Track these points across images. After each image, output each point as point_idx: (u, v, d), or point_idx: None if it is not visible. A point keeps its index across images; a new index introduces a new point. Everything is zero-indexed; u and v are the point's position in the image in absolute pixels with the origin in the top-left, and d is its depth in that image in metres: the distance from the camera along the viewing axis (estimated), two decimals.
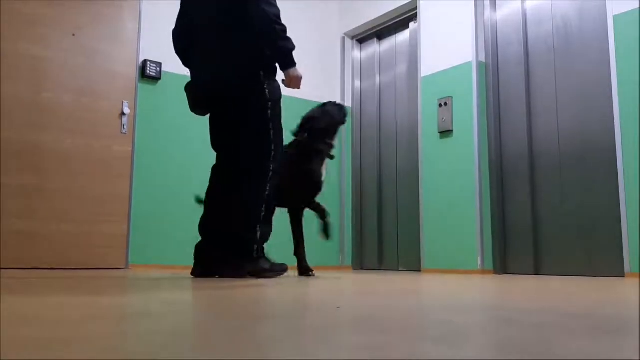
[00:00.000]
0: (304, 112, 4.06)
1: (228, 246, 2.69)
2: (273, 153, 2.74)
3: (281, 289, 1.79)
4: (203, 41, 2.83)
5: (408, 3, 4.83)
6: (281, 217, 3.15)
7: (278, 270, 2.71)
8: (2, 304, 1.09)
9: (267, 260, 2.72)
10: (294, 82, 2.79)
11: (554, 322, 0.88)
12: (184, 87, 2.95)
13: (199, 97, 2.87)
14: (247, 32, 2.72)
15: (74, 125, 4.03)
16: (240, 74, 2.75)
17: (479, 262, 4.00)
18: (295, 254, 3.18)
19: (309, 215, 3.25)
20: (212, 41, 2.78)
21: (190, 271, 2.83)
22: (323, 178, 3.19)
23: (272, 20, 2.64)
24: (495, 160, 4.13)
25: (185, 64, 3.01)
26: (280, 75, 2.88)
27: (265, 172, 2.73)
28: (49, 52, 3.99)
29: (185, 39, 2.93)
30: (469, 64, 4.25)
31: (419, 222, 4.54)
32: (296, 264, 3.16)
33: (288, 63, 2.74)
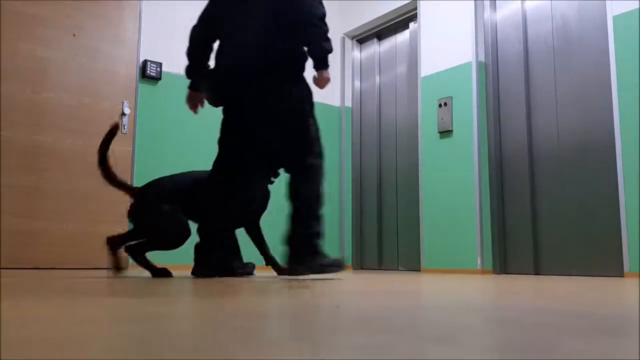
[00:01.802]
0: None
1: (295, 244, 2.69)
2: (319, 150, 2.80)
3: (277, 289, 1.79)
4: (241, 34, 2.80)
5: (408, 3, 4.83)
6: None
7: (337, 265, 2.71)
8: (2, 304, 1.09)
9: (326, 255, 2.74)
10: (324, 82, 2.83)
11: (554, 322, 0.88)
12: (182, 84, 2.93)
13: (228, 90, 2.85)
14: (292, 28, 2.73)
15: (74, 125, 4.03)
16: (286, 68, 2.77)
17: (479, 262, 4.00)
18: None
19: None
20: (254, 36, 2.76)
21: (190, 271, 2.84)
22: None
23: (321, 18, 2.70)
24: (494, 160, 4.13)
25: (200, 59, 2.96)
26: None
27: (319, 168, 2.77)
28: (49, 52, 4.00)
29: (209, 33, 2.93)
30: (468, 64, 4.25)
31: (418, 222, 4.54)
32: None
33: (325, 64, 2.78)
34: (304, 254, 2.65)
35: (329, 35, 2.74)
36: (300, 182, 2.73)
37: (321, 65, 2.78)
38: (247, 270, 2.88)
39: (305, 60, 2.82)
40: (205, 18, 2.97)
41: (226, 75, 2.84)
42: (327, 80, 2.83)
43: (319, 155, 2.80)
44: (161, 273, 2.76)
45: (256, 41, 2.76)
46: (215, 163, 2.88)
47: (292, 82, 2.79)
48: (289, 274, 2.69)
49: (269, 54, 2.74)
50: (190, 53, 2.98)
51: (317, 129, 2.83)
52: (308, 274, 2.63)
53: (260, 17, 2.76)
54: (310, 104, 2.83)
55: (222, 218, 2.83)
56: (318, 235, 2.70)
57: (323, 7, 2.73)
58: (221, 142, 2.90)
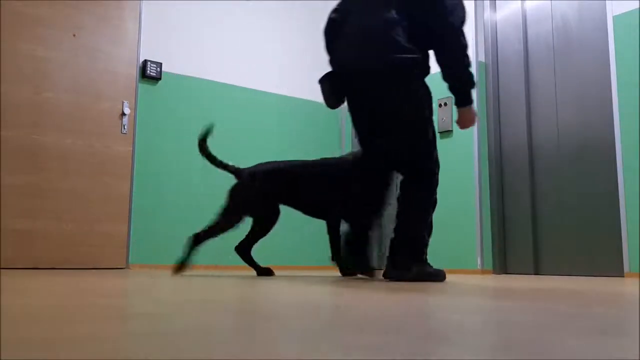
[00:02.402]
0: (303, 112, 4.06)
1: (404, 249, 2.59)
2: (436, 157, 2.68)
3: (280, 288, 1.79)
4: (361, 34, 2.66)
5: None
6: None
7: (441, 275, 2.59)
8: (2, 303, 1.09)
9: (429, 265, 2.63)
10: (468, 123, 2.67)
11: (553, 322, 0.88)
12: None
13: (346, 92, 2.75)
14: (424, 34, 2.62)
15: (74, 125, 4.04)
16: (405, 70, 2.62)
17: (479, 262, 4.00)
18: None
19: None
20: (375, 35, 2.61)
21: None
22: None
23: (466, 56, 2.56)
24: (494, 160, 4.13)
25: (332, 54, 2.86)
26: None
27: (436, 175, 2.67)
28: (49, 52, 4.00)
29: (334, 30, 2.82)
30: None
31: None
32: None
33: (468, 99, 2.62)
34: (413, 260, 2.53)
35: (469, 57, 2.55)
36: (417, 187, 2.63)
37: (462, 101, 2.59)
38: (440, 275, 2.79)
39: (428, 66, 2.68)
40: (331, 21, 2.85)
41: (345, 76, 2.71)
42: (472, 119, 2.63)
43: (437, 162, 2.66)
44: (265, 272, 3.00)
45: (376, 41, 2.58)
46: (359, 160, 2.91)
47: (412, 85, 2.63)
48: (393, 279, 2.54)
49: (390, 55, 2.56)
50: (327, 39, 2.87)
51: (434, 136, 2.66)
52: (411, 280, 2.47)
53: (382, 16, 2.59)
54: (430, 109, 2.66)
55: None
56: (427, 244, 2.61)
57: (465, 39, 2.55)
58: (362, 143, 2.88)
